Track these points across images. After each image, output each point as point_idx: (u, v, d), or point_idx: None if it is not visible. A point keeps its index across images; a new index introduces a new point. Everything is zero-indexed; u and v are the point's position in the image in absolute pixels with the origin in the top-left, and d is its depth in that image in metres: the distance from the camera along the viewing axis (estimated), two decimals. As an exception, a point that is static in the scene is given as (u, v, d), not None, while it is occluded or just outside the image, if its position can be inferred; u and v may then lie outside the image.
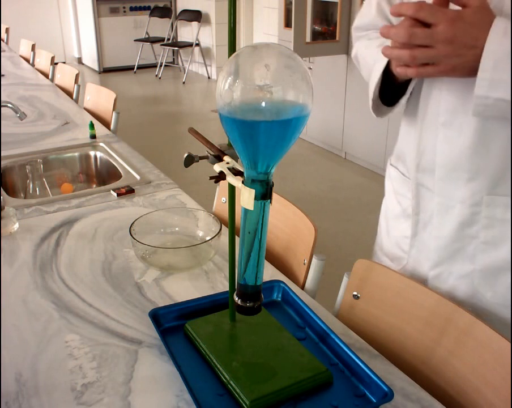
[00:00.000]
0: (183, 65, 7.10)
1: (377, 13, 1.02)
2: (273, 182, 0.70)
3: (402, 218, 1.05)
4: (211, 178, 0.77)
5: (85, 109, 2.44)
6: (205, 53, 6.77)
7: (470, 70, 0.76)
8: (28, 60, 3.72)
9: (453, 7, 0.77)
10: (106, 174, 1.80)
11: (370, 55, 1.02)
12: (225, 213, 1.35)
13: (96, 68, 7.11)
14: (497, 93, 0.75)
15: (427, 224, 0.99)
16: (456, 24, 0.73)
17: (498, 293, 0.92)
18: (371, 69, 0.98)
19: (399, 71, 0.81)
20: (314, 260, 1.10)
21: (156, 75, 6.88)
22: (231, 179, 0.74)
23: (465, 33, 0.73)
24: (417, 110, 0.94)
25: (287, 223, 1.25)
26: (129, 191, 1.47)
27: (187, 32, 7.01)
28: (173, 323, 0.93)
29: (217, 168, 0.76)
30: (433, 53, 0.75)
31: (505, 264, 0.90)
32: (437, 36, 0.73)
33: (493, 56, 0.73)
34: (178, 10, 7.03)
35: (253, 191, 0.68)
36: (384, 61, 0.90)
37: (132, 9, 7.06)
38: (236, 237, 0.85)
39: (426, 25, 0.75)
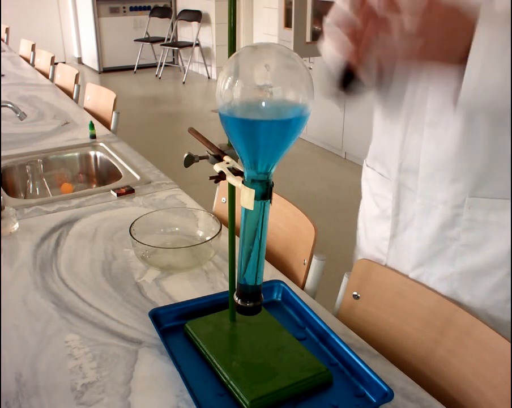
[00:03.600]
0: (183, 65, 7.10)
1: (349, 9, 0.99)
2: (273, 182, 0.70)
3: (380, 220, 1.04)
4: (211, 178, 0.77)
5: (85, 109, 2.44)
6: (205, 53, 6.77)
7: (460, 55, 0.73)
8: (28, 60, 3.72)
9: None
10: (106, 174, 1.80)
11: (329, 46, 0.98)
12: (225, 213, 1.35)
13: (96, 68, 7.11)
14: (490, 78, 0.72)
15: (408, 225, 0.97)
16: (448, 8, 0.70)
17: (476, 297, 0.91)
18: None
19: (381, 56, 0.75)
20: (314, 260, 1.10)
21: (156, 75, 6.88)
22: (231, 179, 0.74)
23: (456, 19, 0.71)
24: (400, 110, 0.93)
25: (287, 223, 1.25)
26: (129, 191, 1.47)
27: (187, 32, 7.00)
28: (173, 323, 0.93)
29: (217, 168, 0.76)
30: (425, 21, 0.69)
31: (484, 268, 0.90)
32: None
33: (484, 40, 0.70)
34: (178, 10, 7.03)
35: (253, 191, 0.68)
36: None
37: (132, 9, 7.06)
38: (236, 237, 0.85)
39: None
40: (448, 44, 0.72)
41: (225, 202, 1.41)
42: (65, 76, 3.01)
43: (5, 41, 4.83)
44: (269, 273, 1.10)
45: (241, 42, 6.13)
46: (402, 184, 0.96)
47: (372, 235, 1.08)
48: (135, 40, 6.98)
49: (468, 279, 0.91)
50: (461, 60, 0.73)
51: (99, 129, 2.02)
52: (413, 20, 0.69)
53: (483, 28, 0.71)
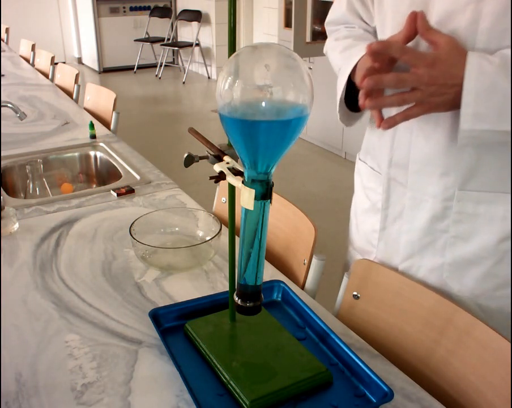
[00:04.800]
0: (183, 65, 7.10)
1: (347, 9, 1.06)
2: (273, 182, 0.70)
3: (371, 212, 1.06)
4: (211, 178, 0.77)
5: (85, 109, 2.44)
6: (205, 53, 6.77)
7: (453, 105, 0.80)
8: (28, 60, 3.72)
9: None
10: (106, 174, 1.80)
11: (334, 60, 1.07)
12: (225, 213, 1.35)
13: (96, 68, 7.11)
14: (482, 125, 0.79)
15: (397, 218, 1.00)
16: (435, 66, 0.78)
17: (465, 286, 0.94)
18: (336, 73, 1.03)
19: (385, 126, 0.84)
20: (314, 260, 1.10)
21: (156, 75, 6.88)
22: (231, 179, 0.74)
23: (444, 73, 0.78)
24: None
25: (287, 223, 1.25)
26: (129, 191, 1.47)
27: (187, 32, 7.00)
28: (173, 323, 0.93)
29: (217, 168, 0.76)
30: (419, 94, 0.79)
31: (473, 258, 0.92)
32: (421, 79, 0.78)
33: (473, 92, 0.77)
34: (178, 10, 7.03)
35: (253, 191, 0.68)
36: (346, 74, 0.96)
37: (132, 9, 7.06)
38: (236, 237, 0.85)
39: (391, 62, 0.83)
40: (435, 85, 0.79)
41: (225, 202, 1.41)
42: (65, 76, 3.01)
43: (5, 41, 4.83)
44: (269, 273, 1.10)
45: (241, 42, 6.14)
46: (392, 178, 0.99)
47: (363, 227, 1.11)
48: (135, 40, 6.98)
49: (458, 269, 0.94)
50: (453, 97, 0.80)
51: (99, 129, 2.02)
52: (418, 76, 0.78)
53: (470, 77, 0.77)
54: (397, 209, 1.00)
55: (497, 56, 0.78)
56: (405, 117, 0.82)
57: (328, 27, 1.13)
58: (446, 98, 0.79)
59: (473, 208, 0.90)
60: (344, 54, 1.01)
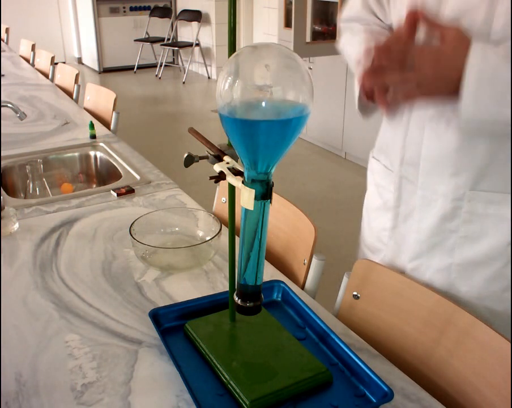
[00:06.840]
0: (183, 65, 7.10)
1: (362, 6, 1.05)
2: (273, 182, 0.70)
3: (382, 211, 1.06)
4: (211, 178, 0.77)
5: (85, 109, 2.44)
6: (205, 53, 6.77)
7: (454, 91, 0.78)
8: (28, 60, 3.72)
9: None
10: (106, 174, 1.80)
11: (353, 53, 1.05)
12: (225, 213, 1.35)
13: (96, 68, 7.11)
14: (482, 115, 0.78)
15: (408, 217, 1.00)
16: (439, 62, 0.77)
17: (473, 287, 0.94)
18: (352, 68, 1.02)
19: (386, 111, 0.84)
20: (314, 260, 1.10)
21: (156, 75, 6.88)
22: (231, 179, 0.74)
23: (447, 69, 0.77)
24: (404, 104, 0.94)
25: (287, 223, 1.25)
26: (129, 191, 1.47)
27: (187, 32, 7.01)
28: (173, 323, 0.93)
29: (217, 168, 0.76)
30: (420, 76, 0.78)
31: (482, 259, 0.92)
32: (424, 77, 0.77)
33: (474, 80, 0.75)
34: (178, 10, 7.03)
35: (253, 191, 0.68)
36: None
37: (132, 9, 7.06)
38: (236, 237, 0.85)
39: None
40: (440, 80, 0.78)
41: (225, 202, 1.41)
42: (65, 76, 3.01)
43: (5, 41, 4.83)
44: (269, 273, 1.10)
45: (241, 42, 6.13)
46: (403, 177, 0.99)
47: (374, 225, 1.10)
48: (135, 40, 6.98)
49: (466, 270, 0.94)
50: (458, 89, 0.78)
51: (99, 129, 2.02)
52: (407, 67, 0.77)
53: (474, 59, 0.75)
54: (408, 208, 0.99)
55: (502, 48, 0.76)
56: (406, 96, 0.81)
57: (343, 24, 1.12)
58: (448, 82, 0.78)
59: (483, 208, 0.89)
60: (362, 47, 0.98)
